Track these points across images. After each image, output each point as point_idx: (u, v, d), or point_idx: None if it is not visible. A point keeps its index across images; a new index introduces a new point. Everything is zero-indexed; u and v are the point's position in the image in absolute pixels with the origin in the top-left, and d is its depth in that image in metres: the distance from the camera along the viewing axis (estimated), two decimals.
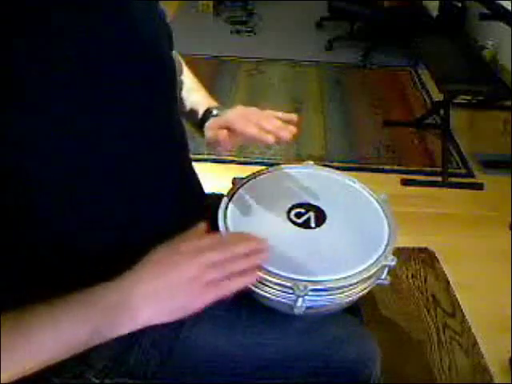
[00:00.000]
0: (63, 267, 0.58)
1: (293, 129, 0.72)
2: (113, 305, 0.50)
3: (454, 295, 1.48)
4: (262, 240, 0.59)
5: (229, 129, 0.74)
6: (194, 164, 0.81)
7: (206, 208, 0.75)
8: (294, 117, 0.76)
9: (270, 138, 0.69)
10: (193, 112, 0.83)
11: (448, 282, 1.53)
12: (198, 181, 0.80)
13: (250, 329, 0.71)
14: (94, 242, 0.59)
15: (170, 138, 0.68)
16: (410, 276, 1.52)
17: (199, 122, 0.82)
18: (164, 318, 0.52)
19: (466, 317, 1.42)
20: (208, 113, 0.81)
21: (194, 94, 0.85)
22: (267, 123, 0.72)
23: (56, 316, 0.48)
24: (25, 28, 0.46)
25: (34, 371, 0.47)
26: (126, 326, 0.51)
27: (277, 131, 0.70)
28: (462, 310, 1.44)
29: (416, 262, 1.58)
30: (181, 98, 0.85)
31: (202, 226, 0.60)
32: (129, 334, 0.52)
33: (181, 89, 0.76)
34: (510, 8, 1.89)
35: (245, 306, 0.71)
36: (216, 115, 0.80)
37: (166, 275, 0.53)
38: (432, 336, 1.34)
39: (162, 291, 0.52)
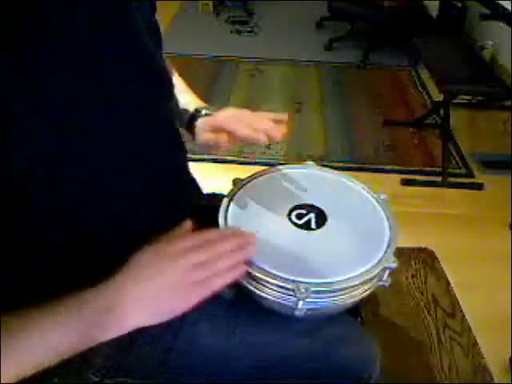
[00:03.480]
0: (65, 268, 0.58)
1: (283, 129, 0.74)
2: (100, 310, 0.50)
3: (454, 295, 1.48)
4: (248, 235, 0.60)
5: (221, 130, 0.76)
6: (194, 164, 0.82)
7: (203, 208, 0.75)
8: (284, 117, 0.77)
9: (262, 137, 0.71)
10: (182, 112, 0.84)
11: (448, 282, 1.53)
12: (196, 182, 0.80)
13: (249, 329, 0.71)
14: (93, 240, 0.59)
15: (167, 139, 0.68)
16: (409, 276, 1.52)
17: (188, 122, 0.82)
18: (151, 321, 0.53)
19: (466, 317, 1.42)
20: (197, 112, 0.81)
21: (183, 94, 0.85)
22: (259, 124, 0.73)
23: (44, 322, 0.49)
24: (24, 29, 0.46)
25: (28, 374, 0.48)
26: (114, 330, 0.51)
27: (268, 131, 0.72)
28: (461, 310, 1.44)
29: (416, 261, 1.58)
30: None
31: (187, 224, 0.61)
32: (128, 333, 0.52)
33: None
34: (510, 8, 1.89)
35: (244, 306, 0.71)
36: (205, 115, 0.81)
37: (150, 279, 0.53)
38: (432, 336, 1.34)
39: (148, 295, 0.53)
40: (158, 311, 0.53)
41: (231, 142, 0.75)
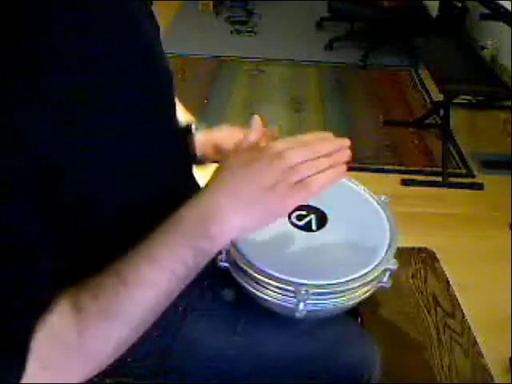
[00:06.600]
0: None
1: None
2: (200, 220, 0.51)
3: (454, 295, 1.48)
4: (342, 139, 0.58)
5: (220, 149, 0.82)
6: (194, 164, 0.82)
7: None
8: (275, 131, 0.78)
9: None
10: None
11: (448, 282, 1.52)
12: (197, 182, 0.80)
13: (249, 330, 0.71)
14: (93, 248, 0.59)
15: (170, 139, 0.68)
16: (409, 276, 1.51)
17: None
18: (254, 224, 0.53)
19: (466, 317, 1.42)
20: (189, 128, 0.83)
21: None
22: None
23: (157, 249, 0.50)
24: (24, 27, 0.46)
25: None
26: (219, 237, 0.51)
27: None
28: (462, 310, 1.43)
29: (416, 261, 1.57)
30: None
31: (258, 121, 0.60)
32: None
33: None
34: (510, 8, 1.89)
35: (245, 307, 0.71)
36: (196, 129, 0.83)
37: (248, 180, 0.52)
38: (432, 336, 1.33)
39: (248, 198, 0.51)
40: (258, 213, 0.52)
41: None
